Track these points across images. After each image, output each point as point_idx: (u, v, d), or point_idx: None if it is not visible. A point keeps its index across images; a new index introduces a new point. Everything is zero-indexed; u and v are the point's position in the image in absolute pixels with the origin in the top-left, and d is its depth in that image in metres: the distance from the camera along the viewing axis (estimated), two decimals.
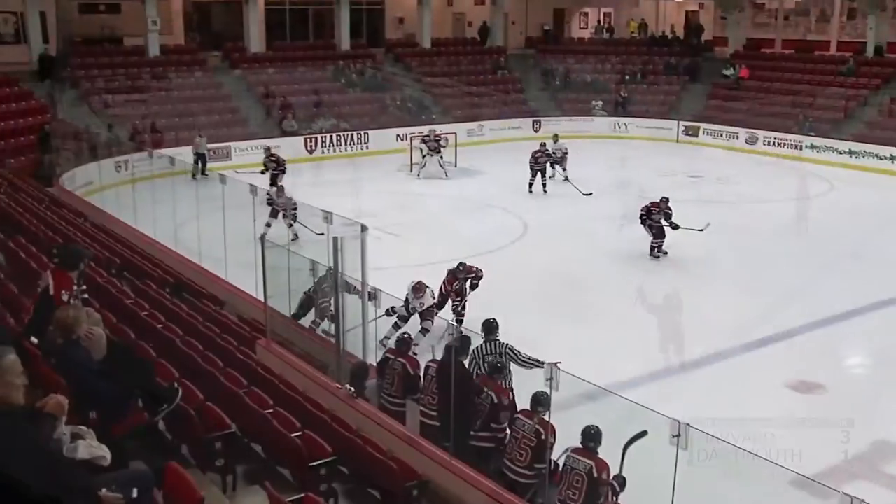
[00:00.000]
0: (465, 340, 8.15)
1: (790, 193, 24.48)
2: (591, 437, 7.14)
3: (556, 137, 25.27)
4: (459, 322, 12.07)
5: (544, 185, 23.39)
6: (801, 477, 7.36)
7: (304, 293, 11.60)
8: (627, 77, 35.96)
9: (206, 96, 29.84)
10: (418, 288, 12.70)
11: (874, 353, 13.81)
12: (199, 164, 24.53)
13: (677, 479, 6.10)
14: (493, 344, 9.33)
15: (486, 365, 8.81)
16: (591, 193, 22.74)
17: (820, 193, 24.76)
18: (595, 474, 6.98)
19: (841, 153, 28.68)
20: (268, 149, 23.38)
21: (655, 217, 17.28)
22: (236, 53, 32.41)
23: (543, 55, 37.98)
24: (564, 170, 24.38)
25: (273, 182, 20.95)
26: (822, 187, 25.42)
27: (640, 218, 17.42)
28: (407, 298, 12.67)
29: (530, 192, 23.23)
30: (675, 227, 17.04)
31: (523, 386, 8.29)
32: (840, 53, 35.68)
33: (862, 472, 9.66)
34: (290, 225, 17.16)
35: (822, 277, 16.60)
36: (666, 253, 17.32)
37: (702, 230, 16.69)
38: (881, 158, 27.66)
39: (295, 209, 17.18)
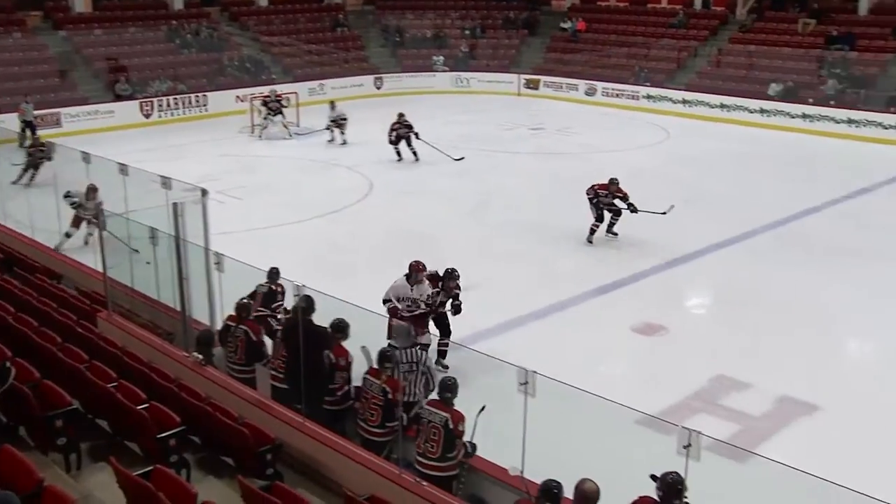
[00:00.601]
0: (309, 300, 8.08)
1: (629, 143, 25.26)
2: (448, 388, 7.23)
3: (332, 104, 25.15)
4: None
5: (415, 153, 22.41)
6: (646, 416, 7.69)
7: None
8: (467, 32, 36.21)
9: (27, 59, 28.17)
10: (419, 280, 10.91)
11: (712, 293, 14.49)
12: (28, 132, 23.28)
13: (528, 425, 6.25)
14: (410, 352, 8.25)
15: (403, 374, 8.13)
16: (462, 158, 22.54)
17: (657, 142, 25.65)
18: (451, 426, 7.08)
19: (675, 102, 29.80)
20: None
21: (605, 199, 15.96)
22: (59, 13, 30.80)
23: (383, 11, 37.76)
24: (343, 134, 24.40)
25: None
26: (660, 135, 26.34)
27: (589, 199, 16.59)
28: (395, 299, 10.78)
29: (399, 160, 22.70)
30: (633, 210, 15.88)
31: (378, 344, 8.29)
32: (671, 6, 36.86)
33: (702, 407, 10.14)
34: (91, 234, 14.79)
35: (662, 223, 17.22)
36: (616, 234, 16.29)
37: (664, 213, 16.14)
38: (712, 107, 28.90)
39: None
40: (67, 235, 14.57)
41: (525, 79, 33.70)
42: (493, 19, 37.35)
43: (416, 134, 22.05)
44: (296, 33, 34.28)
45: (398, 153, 22.23)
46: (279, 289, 10.44)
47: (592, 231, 16.05)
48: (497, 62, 35.03)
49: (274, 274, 10.50)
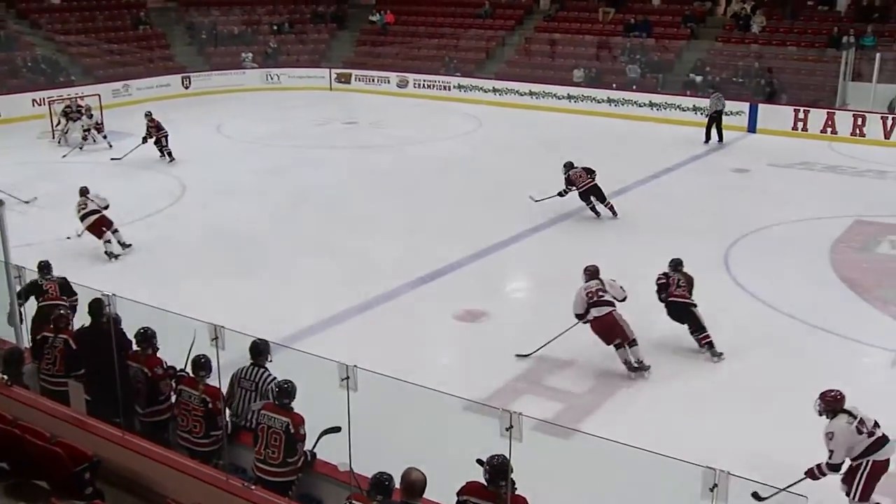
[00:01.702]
0: (100, 302, 7.81)
1: (442, 133, 25.60)
2: (287, 393, 7.10)
3: (88, 110, 24.25)
4: None
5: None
6: (471, 402, 7.83)
7: None
8: (276, 27, 35.75)
9: None
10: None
11: (528, 277, 14.89)
12: None
13: (354, 420, 6.25)
14: (256, 370, 7.88)
15: (245, 392, 7.83)
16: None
17: (470, 131, 26.10)
18: (292, 430, 6.97)
19: (486, 91, 30.41)
20: None
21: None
22: None
23: (186, 8, 36.68)
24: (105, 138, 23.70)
25: None
26: (472, 124, 26.81)
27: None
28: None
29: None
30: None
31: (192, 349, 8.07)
32: None
33: (526, 388, 10.40)
34: None
35: (477, 211, 17.58)
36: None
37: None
38: (521, 94, 29.68)
39: None
40: None
41: (336, 73, 33.59)
42: (301, 14, 37.01)
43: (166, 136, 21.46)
44: (94, 32, 32.80)
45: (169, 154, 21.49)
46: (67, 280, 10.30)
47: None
48: (307, 57, 34.75)
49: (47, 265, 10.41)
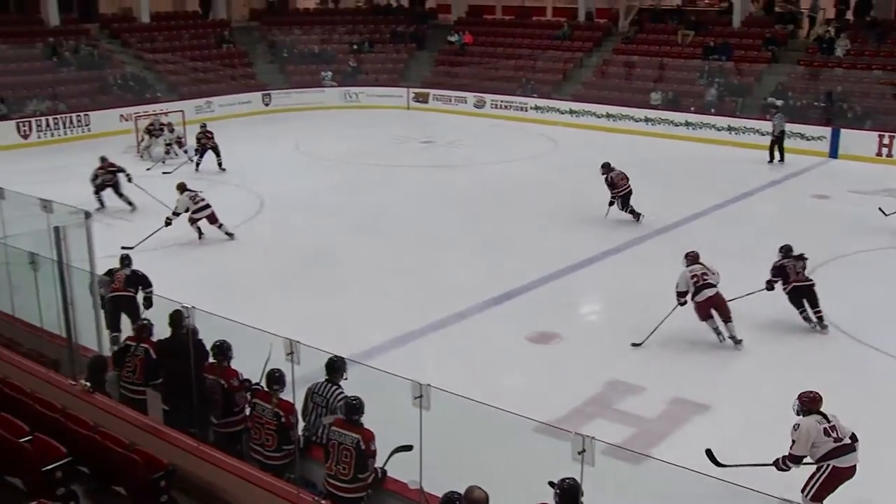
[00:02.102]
0: (181, 314, 7.96)
1: (518, 154, 25.58)
2: (355, 409, 7.14)
3: (170, 126, 25.01)
4: None
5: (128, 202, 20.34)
6: (542, 424, 7.77)
7: None
8: (355, 46, 36.17)
9: None
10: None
11: (603, 300, 14.75)
12: None
13: (425, 439, 6.25)
14: (328, 387, 7.92)
15: (317, 407, 7.90)
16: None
17: (545, 152, 26.04)
18: (363, 446, 7.00)
19: (562, 113, 30.31)
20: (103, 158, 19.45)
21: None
22: None
23: (269, 27, 37.42)
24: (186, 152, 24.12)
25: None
26: (547, 146, 26.75)
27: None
28: None
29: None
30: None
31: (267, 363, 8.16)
32: (556, 19, 37.71)
33: (597, 412, 10.30)
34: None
35: (551, 233, 17.50)
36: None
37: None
38: (598, 116, 29.51)
39: None
40: None
41: (414, 92, 33.84)
42: (380, 34, 37.40)
43: (128, 177, 19.11)
44: (180, 50, 33.64)
45: (101, 201, 18.87)
46: (139, 272, 11.62)
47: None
48: (386, 76, 35.08)
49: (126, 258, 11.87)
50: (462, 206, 19.63)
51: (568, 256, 15.80)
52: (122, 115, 28.05)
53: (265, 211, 19.21)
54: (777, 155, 23.95)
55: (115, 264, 11.91)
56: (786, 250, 12.75)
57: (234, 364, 8.28)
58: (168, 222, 16.51)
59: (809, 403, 8.02)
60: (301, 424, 7.87)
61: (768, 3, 32.44)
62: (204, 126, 23.34)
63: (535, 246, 16.63)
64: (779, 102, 26.67)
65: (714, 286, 12.06)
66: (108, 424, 7.68)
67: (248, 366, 8.28)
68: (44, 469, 6.32)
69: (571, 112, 30.16)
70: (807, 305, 12.52)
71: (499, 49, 34.85)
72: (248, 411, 8.05)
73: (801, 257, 12.69)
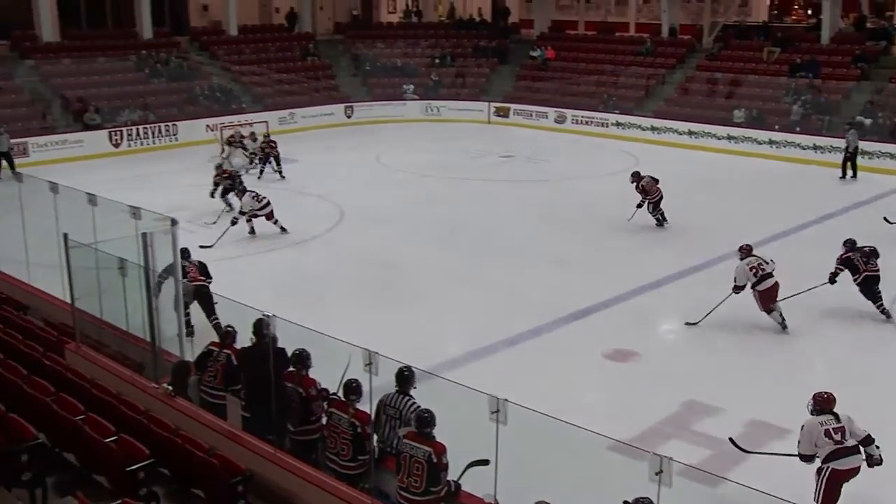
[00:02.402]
0: (265, 323, 8.07)
1: (598, 169, 25.41)
2: (427, 422, 7.14)
3: (253, 135, 25.54)
4: None
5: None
6: (618, 442, 7.68)
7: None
8: (437, 60, 36.39)
9: None
10: None
11: (680, 319, 14.53)
12: (4, 163, 23.16)
13: (500, 453, 6.24)
14: (401, 398, 7.86)
15: (390, 419, 7.86)
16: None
17: (626, 168, 25.76)
18: (435, 459, 7.00)
19: (644, 129, 30.04)
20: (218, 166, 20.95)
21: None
22: (27, 42, 30.62)
23: (353, 40, 37.87)
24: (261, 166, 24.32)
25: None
26: (628, 162, 26.50)
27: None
28: None
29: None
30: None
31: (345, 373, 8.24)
32: (638, 34, 37.43)
33: (674, 433, 10.16)
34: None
35: (630, 249, 17.35)
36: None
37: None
38: (679, 133, 29.17)
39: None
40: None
41: (495, 107, 33.87)
42: (462, 48, 37.54)
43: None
44: (266, 62, 34.25)
45: (228, 204, 19.63)
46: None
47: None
48: (467, 90, 35.19)
49: (186, 251, 12.57)
50: (540, 221, 19.57)
51: (646, 274, 15.63)
52: (208, 126, 28.73)
53: (345, 221, 19.41)
54: (850, 171, 23.47)
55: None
56: (851, 244, 13.45)
57: (311, 373, 8.37)
58: (234, 222, 17.56)
59: (822, 403, 8.24)
60: (375, 437, 7.91)
61: (859, 19, 31.70)
62: (267, 136, 23.94)
63: (613, 263, 16.50)
64: (867, 121, 26.02)
65: (773, 275, 12.82)
66: (189, 428, 7.84)
67: (325, 375, 8.36)
68: (128, 469, 6.47)
69: (653, 129, 29.87)
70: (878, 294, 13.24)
71: (581, 64, 34.69)
72: (324, 420, 8.12)
73: (874, 251, 13.38)
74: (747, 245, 13.29)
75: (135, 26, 33.44)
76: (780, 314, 12.97)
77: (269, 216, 17.90)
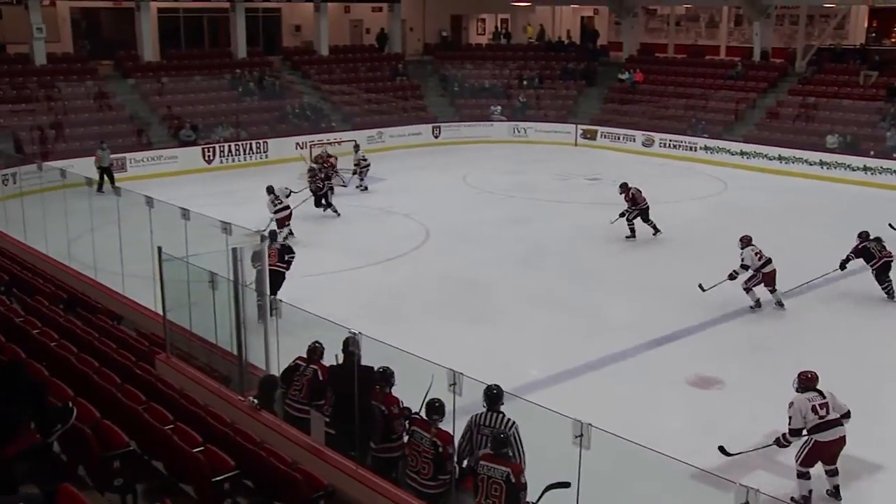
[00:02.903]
0: (355, 342, 8.15)
1: (686, 194, 25.08)
2: (503, 443, 7.13)
3: (356, 146, 26.02)
4: None
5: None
6: (702, 471, 7.55)
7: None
8: (525, 82, 36.43)
9: (97, 106, 28.99)
10: None
11: (766, 347, 14.23)
12: (105, 178, 23.97)
13: (582, 478, 6.18)
14: (496, 416, 7.76)
15: (485, 438, 7.64)
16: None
17: (714, 193, 25.45)
18: (513, 480, 6.98)
19: (733, 154, 29.57)
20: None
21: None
22: (129, 62, 31.67)
23: (441, 61, 38.17)
24: (362, 180, 24.89)
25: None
26: (717, 187, 26.14)
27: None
28: None
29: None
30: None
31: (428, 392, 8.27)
32: (729, 58, 36.91)
33: (759, 463, 9.93)
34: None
35: (717, 275, 17.03)
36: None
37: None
38: (770, 159, 28.63)
39: None
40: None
41: (582, 129, 33.73)
42: (551, 70, 37.49)
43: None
44: (356, 82, 34.75)
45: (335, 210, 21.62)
46: (287, 246, 14.89)
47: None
48: (554, 112, 35.13)
49: (274, 234, 15.65)
50: (626, 244, 19.40)
51: (732, 300, 15.35)
52: (297, 144, 29.19)
53: (430, 240, 19.52)
54: None
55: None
56: (865, 235, 15.55)
57: (394, 391, 8.42)
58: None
59: (808, 381, 9.26)
60: (456, 455, 7.90)
61: None
62: (327, 154, 24.70)
63: (697, 287, 16.23)
64: None
65: (771, 261, 14.97)
66: (273, 441, 7.95)
67: (408, 393, 8.40)
68: (214, 480, 6.58)
69: (742, 153, 29.39)
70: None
71: (669, 88, 34.37)
72: (405, 438, 8.15)
73: (879, 240, 15.55)
74: (747, 235, 15.30)
75: (230, 46, 34.32)
76: (779, 295, 15.11)
77: (281, 223, 18.71)
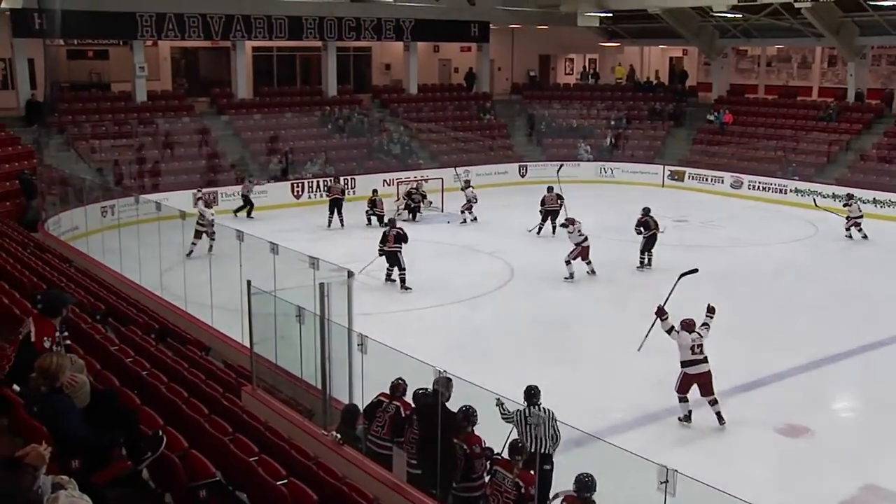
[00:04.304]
0: (448, 384, 8.12)
1: (776, 237, 24.57)
2: (587, 486, 7.05)
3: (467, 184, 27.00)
4: None
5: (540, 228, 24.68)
6: None
7: None
8: (613, 122, 36.28)
9: (192, 142, 29.85)
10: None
11: (860, 396, 13.82)
12: (246, 207, 26.12)
13: None
14: (536, 407, 9.12)
15: (529, 427, 8.81)
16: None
17: (806, 237, 24.89)
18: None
19: (825, 197, 28.87)
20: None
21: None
22: (224, 99, 32.53)
23: (529, 101, 38.30)
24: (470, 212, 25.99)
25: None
26: (808, 230, 25.57)
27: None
28: None
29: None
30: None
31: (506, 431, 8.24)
32: (822, 99, 36.17)
33: None
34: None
35: (808, 320, 16.64)
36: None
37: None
38: (864, 202, 27.83)
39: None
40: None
41: (670, 170, 33.39)
42: (638, 110, 37.32)
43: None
44: (443, 120, 35.07)
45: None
46: (403, 231, 18.54)
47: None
48: (642, 153, 34.90)
49: (393, 221, 19.39)
50: (713, 287, 18.99)
51: (823, 347, 14.97)
52: (384, 180, 29.42)
53: (515, 279, 19.49)
54: None
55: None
56: (646, 210, 19.97)
57: (476, 430, 8.39)
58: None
59: (689, 326, 12.07)
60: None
61: None
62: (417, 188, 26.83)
63: (790, 333, 15.85)
64: None
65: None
66: (355, 477, 7.97)
67: (490, 431, 8.36)
68: None
69: (834, 196, 28.67)
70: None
71: (759, 129, 33.86)
72: (486, 478, 8.11)
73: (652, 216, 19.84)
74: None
75: (321, 84, 35.00)
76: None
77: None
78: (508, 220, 25.56)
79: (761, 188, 30.76)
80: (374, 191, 25.98)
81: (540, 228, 24.37)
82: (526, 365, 13.94)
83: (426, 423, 8.34)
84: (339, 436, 8.84)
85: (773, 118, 34.40)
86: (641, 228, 20.59)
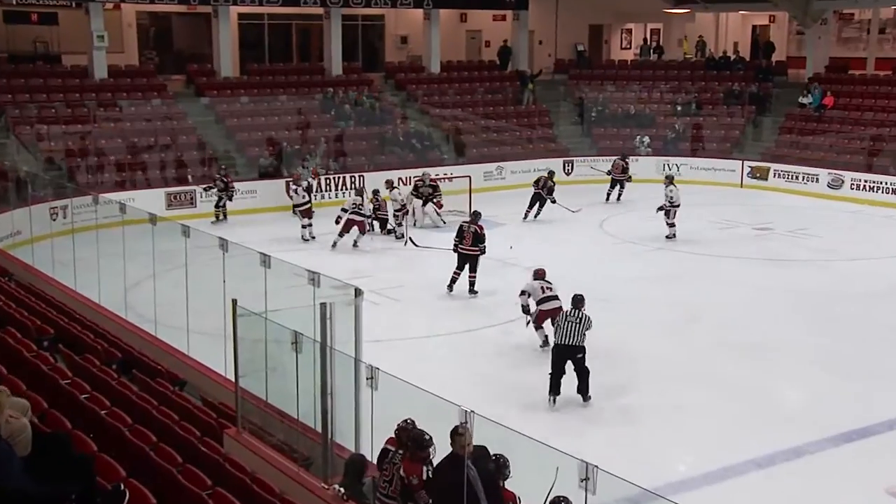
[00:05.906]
0: (494, 460, 8.23)
1: (886, 250, 24.39)
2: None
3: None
4: None
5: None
6: None
7: None
8: (679, 108, 36.20)
9: (164, 129, 29.89)
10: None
11: None
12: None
13: None
14: (579, 312, 14.14)
15: (569, 324, 13.99)
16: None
17: None
18: None
19: None
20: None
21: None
22: (203, 77, 32.70)
23: (576, 82, 38.30)
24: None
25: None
26: None
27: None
28: None
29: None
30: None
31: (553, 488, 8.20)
32: None
33: None
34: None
35: None
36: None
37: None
38: None
39: None
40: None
41: (750, 167, 33.27)
42: (712, 93, 37.22)
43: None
44: (472, 106, 35.08)
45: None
46: (482, 229, 19.50)
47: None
48: (716, 146, 34.82)
49: (477, 214, 20.28)
50: (805, 311, 18.94)
51: None
52: (400, 178, 29.32)
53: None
54: None
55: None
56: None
57: (509, 483, 8.37)
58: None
59: (540, 274, 16.25)
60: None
61: None
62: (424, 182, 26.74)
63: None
64: None
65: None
66: None
67: (527, 487, 8.34)
68: None
69: None
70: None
71: (867, 114, 33.62)
72: None
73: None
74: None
75: (322, 60, 35.06)
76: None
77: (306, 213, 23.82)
78: (549, 227, 25.51)
79: (867, 188, 30.58)
80: (375, 191, 25.64)
81: (608, 196, 29.84)
82: (572, 403, 13.92)
83: (443, 478, 8.33)
84: (342, 490, 8.83)
85: (884, 100, 34.16)
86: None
